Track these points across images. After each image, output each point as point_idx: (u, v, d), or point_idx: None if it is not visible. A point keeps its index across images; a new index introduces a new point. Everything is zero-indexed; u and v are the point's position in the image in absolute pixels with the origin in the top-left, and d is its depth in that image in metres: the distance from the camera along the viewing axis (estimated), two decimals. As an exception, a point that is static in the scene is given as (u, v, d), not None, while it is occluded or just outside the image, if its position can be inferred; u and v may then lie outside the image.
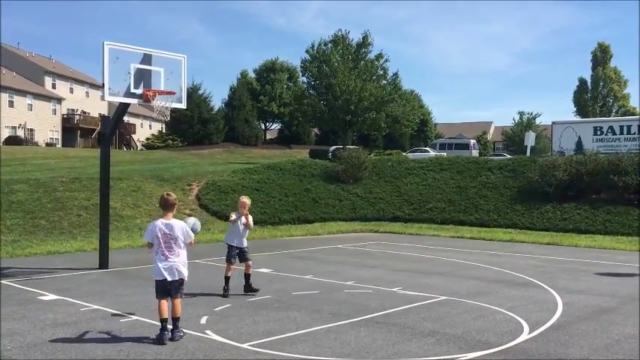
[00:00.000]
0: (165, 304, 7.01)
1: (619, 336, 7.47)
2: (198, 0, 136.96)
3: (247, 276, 9.74)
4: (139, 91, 12.07)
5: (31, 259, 13.83)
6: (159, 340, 6.86)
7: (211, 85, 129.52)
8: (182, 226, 7.17)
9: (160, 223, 7.11)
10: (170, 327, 7.00)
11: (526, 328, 7.75)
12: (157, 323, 7.13)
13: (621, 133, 27.91)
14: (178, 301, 7.10)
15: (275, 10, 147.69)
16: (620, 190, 21.50)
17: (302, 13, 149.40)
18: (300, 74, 45.54)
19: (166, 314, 6.97)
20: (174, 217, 7.28)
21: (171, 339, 6.91)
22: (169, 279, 7.00)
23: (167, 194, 7.33)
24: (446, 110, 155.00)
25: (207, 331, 7.39)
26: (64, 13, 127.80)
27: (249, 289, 9.75)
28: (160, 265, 7.00)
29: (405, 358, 6.45)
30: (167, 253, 7.04)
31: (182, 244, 7.13)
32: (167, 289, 7.03)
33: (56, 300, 9.31)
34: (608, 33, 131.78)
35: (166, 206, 7.20)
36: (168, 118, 13.93)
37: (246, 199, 9.82)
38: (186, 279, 7.21)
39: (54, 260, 13.58)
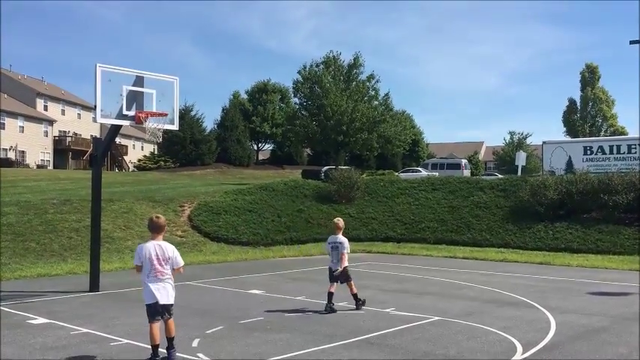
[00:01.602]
0: (157, 328, 6.90)
1: (613, 355, 7.45)
2: (190, 21, 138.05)
3: (355, 295, 10.47)
4: (132, 112, 12.08)
5: (20, 282, 13.68)
6: (150, 365, 6.76)
7: (203, 106, 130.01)
8: (173, 249, 7.14)
9: (150, 244, 7.06)
10: (166, 346, 6.90)
11: (519, 348, 7.72)
12: (148, 347, 7.03)
13: (611, 152, 28.19)
14: (172, 321, 7.01)
15: (267, 32, 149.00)
16: (610, 209, 21.64)
17: (294, 35, 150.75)
18: (292, 95, 45.75)
19: (158, 340, 6.86)
20: (165, 239, 7.25)
21: (169, 359, 6.83)
22: (161, 302, 6.90)
23: (156, 217, 7.29)
24: (437, 130, 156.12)
25: (199, 354, 7.31)
26: (56, 33, 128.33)
27: (361, 304, 10.44)
28: (151, 286, 6.89)
29: (399, 379, 6.40)
30: (158, 275, 6.96)
31: (172, 268, 7.08)
32: (159, 311, 6.94)
33: (46, 324, 9.20)
34: (596, 54, 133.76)
35: (156, 229, 7.15)
36: (161, 140, 13.87)
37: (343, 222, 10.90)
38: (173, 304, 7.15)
39: (44, 283, 13.44)
